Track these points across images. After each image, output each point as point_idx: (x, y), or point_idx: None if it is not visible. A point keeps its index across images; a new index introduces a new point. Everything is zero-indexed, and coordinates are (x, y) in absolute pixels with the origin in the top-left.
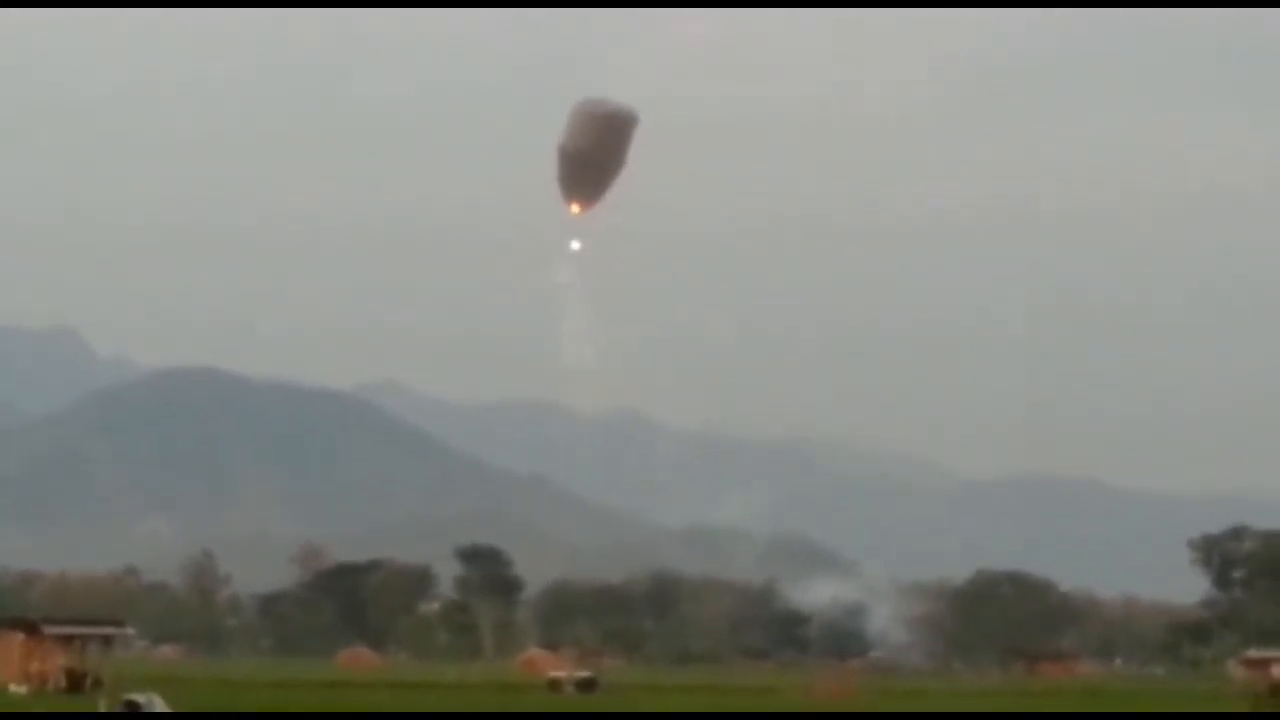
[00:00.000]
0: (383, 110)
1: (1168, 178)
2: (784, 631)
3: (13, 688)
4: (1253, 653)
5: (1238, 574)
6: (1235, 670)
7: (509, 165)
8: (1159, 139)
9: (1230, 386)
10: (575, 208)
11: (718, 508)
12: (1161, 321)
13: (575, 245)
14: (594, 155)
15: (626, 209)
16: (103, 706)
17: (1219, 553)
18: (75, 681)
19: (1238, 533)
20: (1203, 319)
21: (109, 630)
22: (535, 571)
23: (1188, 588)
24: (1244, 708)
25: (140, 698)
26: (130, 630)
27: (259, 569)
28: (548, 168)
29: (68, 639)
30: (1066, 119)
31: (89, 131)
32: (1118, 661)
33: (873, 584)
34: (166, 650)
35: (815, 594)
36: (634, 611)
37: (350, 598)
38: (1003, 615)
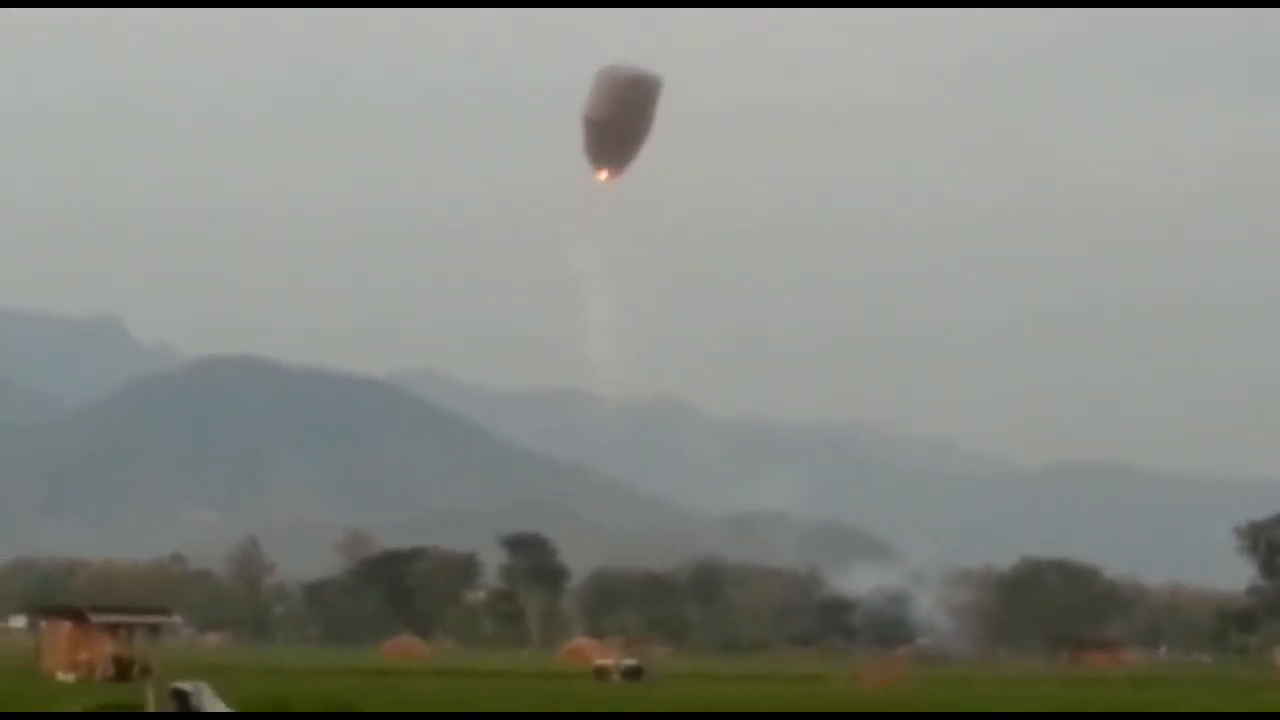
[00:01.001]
0: (421, 102)
1: (1200, 170)
2: (829, 619)
3: (60, 675)
4: None
5: None
6: None
7: (543, 155)
8: (1163, 142)
9: (1273, 370)
10: (604, 175)
11: (759, 494)
12: (1206, 306)
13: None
14: (619, 122)
15: (659, 198)
16: (150, 695)
17: (1266, 540)
18: (123, 669)
19: None
20: (1248, 303)
21: (156, 618)
22: (579, 559)
23: (1235, 575)
24: None
25: (188, 686)
26: (177, 618)
27: (304, 557)
28: (576, 147)
29: (115, 627)
30: (1069, 123)
31: (130, 125)
32: (1163, 649)
33: (917, 571)
34: (213, 638)
35: (859, 581)
36: (679, 599)
37: (396, 586)
38: (1048, 603)
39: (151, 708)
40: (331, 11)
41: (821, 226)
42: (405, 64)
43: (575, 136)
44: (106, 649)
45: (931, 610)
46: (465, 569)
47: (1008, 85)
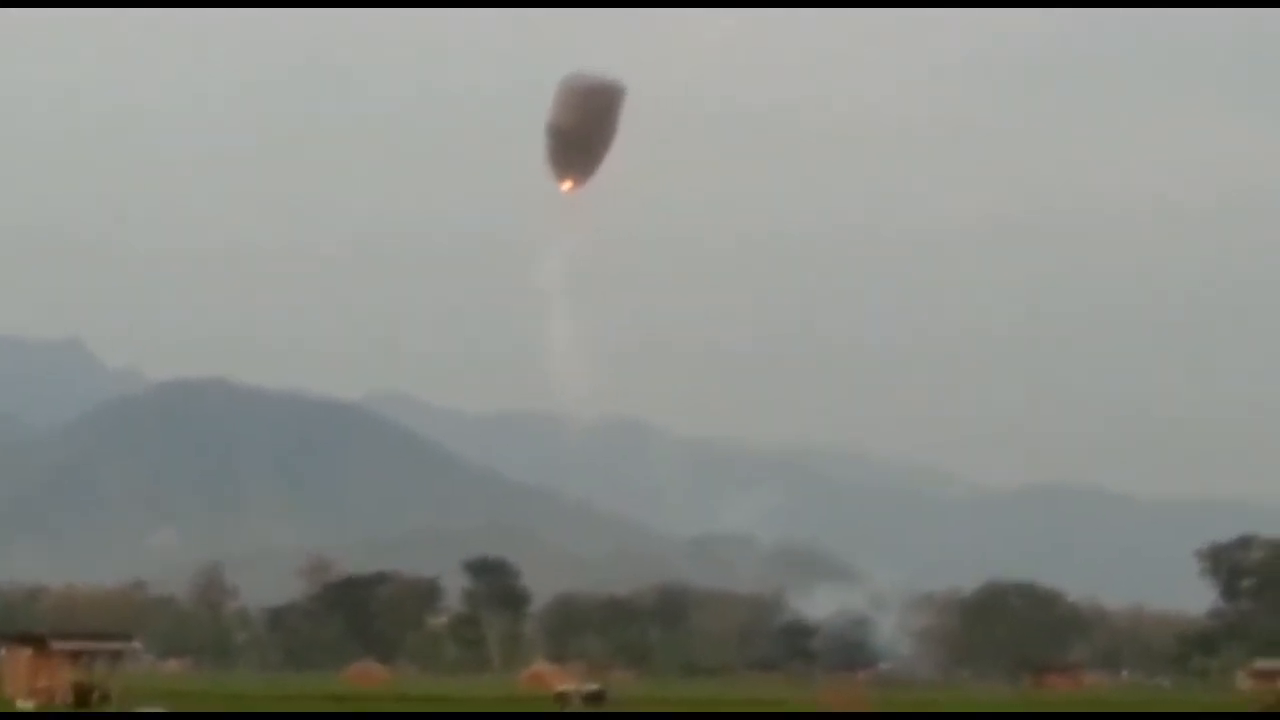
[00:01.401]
0: (386, 120)
1: (1168, 182)
2: (791, 643)
3: (20, 703)
4: (1261, 663)
5: (1246, 584)
6: (1243, 681)
7: (515, 172)
8: (1163, 143)
9: (1237, 393)
10: (567, 185)
11: (723, 517)
12: (1168, 326)
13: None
14: (582, 130)
15: (626, 213)
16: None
17: (1227, 562)
18: (83, 696)
19: (1245, 542)
20: (1208, 324)
21: (117, 645)
22: (542, 583)
23: (1196, 597)
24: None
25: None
26: (138, 644)
27: (267, 582)
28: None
29: (75, 654)
30: (1069, 123)
31: (94, 143)
32: (1125, 673)
33: (880, 594)
34: (174, 664)
35: (821, 604)
36: (642, 624)
37: (358, 611)
38: (1011, 626)
39: None
40: (290, 32)
41: (784, 245)
42: (361, 82)
43: (540, 147)
44: (67, 676)
45: (894, 634)
46: (427, 593)
47: (1012, 90)
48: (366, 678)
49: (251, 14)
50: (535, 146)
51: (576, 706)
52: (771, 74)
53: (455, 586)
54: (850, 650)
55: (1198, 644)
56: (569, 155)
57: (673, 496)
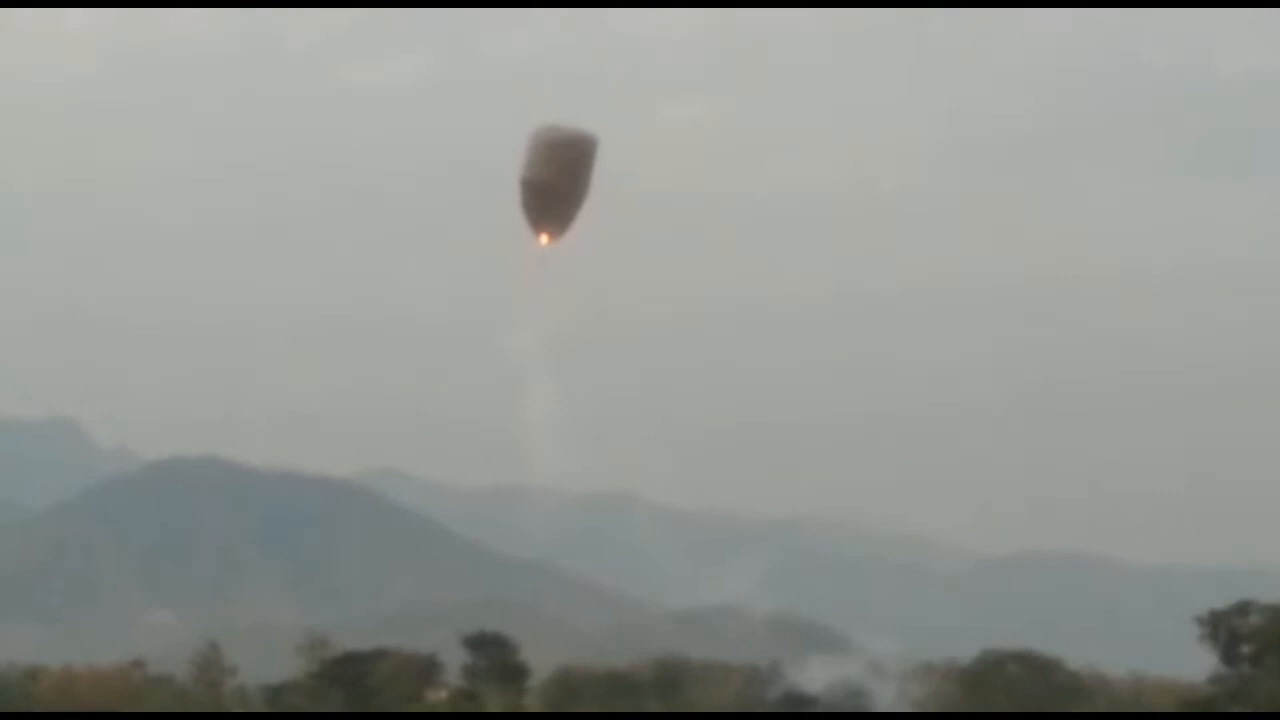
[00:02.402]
0: (370, 197)
1: (1161, 252)
2: (789, 714)
3: None
4: None
5: (1245, 649)
6: None
7: (497, 244)
8: (1152, 213)
9: (1232, 460)
10: (544, 239)
11: (716, 587)
12: (1165, 394)
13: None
14: (556, 183)
15: (612, 290)
16: None
17: (1226, 628)
18: None
19: (1244, 608)
20: (1205, 392)
21: None
22: (539, 657)
23: (1196, 663)
24: None
25: None
26: None
27: (265, 659)
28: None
29: None
30: (1061, 193)
31: (84, 221)
32: None
33: (877, 663)
34: None
35: (818, 675)
36: (640, 696)
37: (357, 687)
38: (1010, 695)
39: None
40: (281, 117)
41: (775, 315)
42: (344, 164)
43: (516, 218)
44: None
45: (893, 704)
46: (426, 669)
47: (1000, 159)
48: None
49: (244, 97)
50: (507, 210)
51: None
52: (749, 156)
53: (453, 661)
54: None
55: (1201, 710)
56: (544, 208)
57: (665, 568)
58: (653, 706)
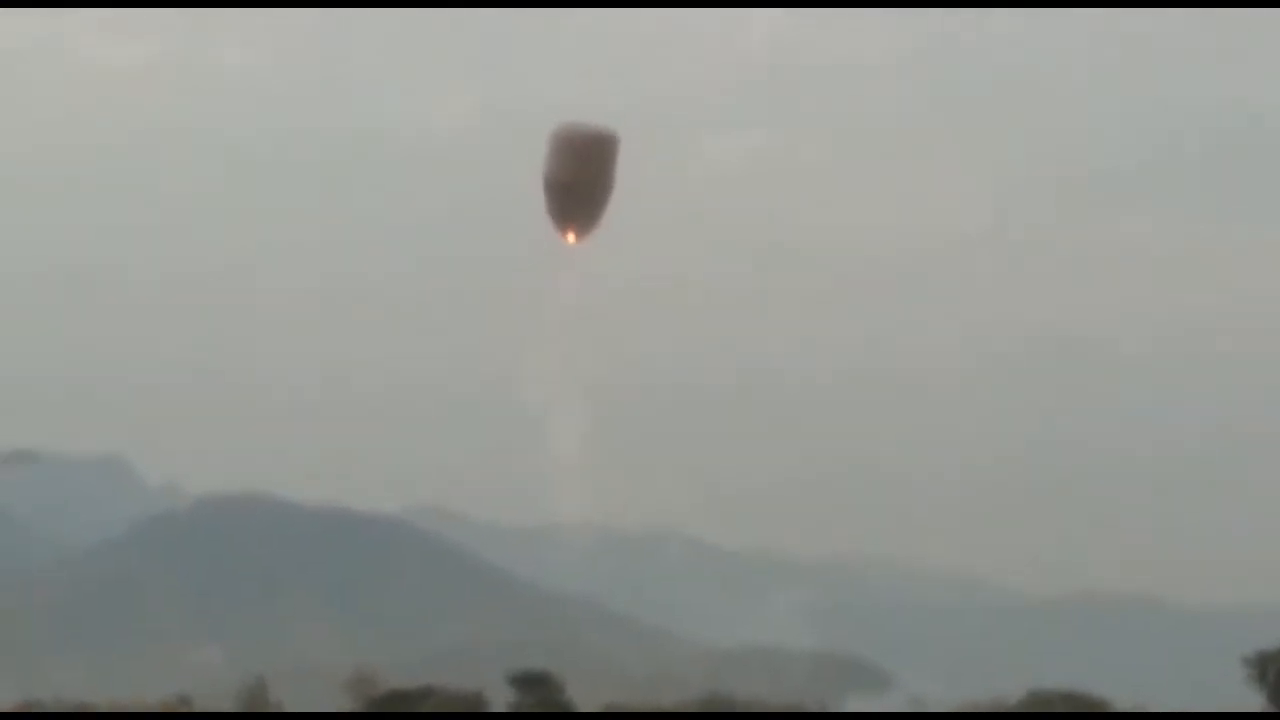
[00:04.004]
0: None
1: (1205, 293)
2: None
3: None
4: None
5: None
6: None
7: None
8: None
9: (1268, 500)
10: (571, 237)
11: (761, 625)
12: (1214, 436)
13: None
14: (580, 181)
15: (653, 326)
16: None
17: (1274, 669)
18: None
19: None
20: (1239, 431)
21: None
22: (586, 695)
23: (1243, 705)
24: None
25: None
26: None
27: (312, 697)
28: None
29: None
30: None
31: (127, 268)
32: None
33: (924, 703)
34: None
35: (861, 710)
36: None
37: None
38: None
39: None
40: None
41: (824, 371)
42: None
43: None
44: None
45: None
46: (473, 707)
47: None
48: None
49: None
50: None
51: None
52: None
53: (499, 699)
54: None
55: None
56: (568, 207)
57: (711, 606)
58: None
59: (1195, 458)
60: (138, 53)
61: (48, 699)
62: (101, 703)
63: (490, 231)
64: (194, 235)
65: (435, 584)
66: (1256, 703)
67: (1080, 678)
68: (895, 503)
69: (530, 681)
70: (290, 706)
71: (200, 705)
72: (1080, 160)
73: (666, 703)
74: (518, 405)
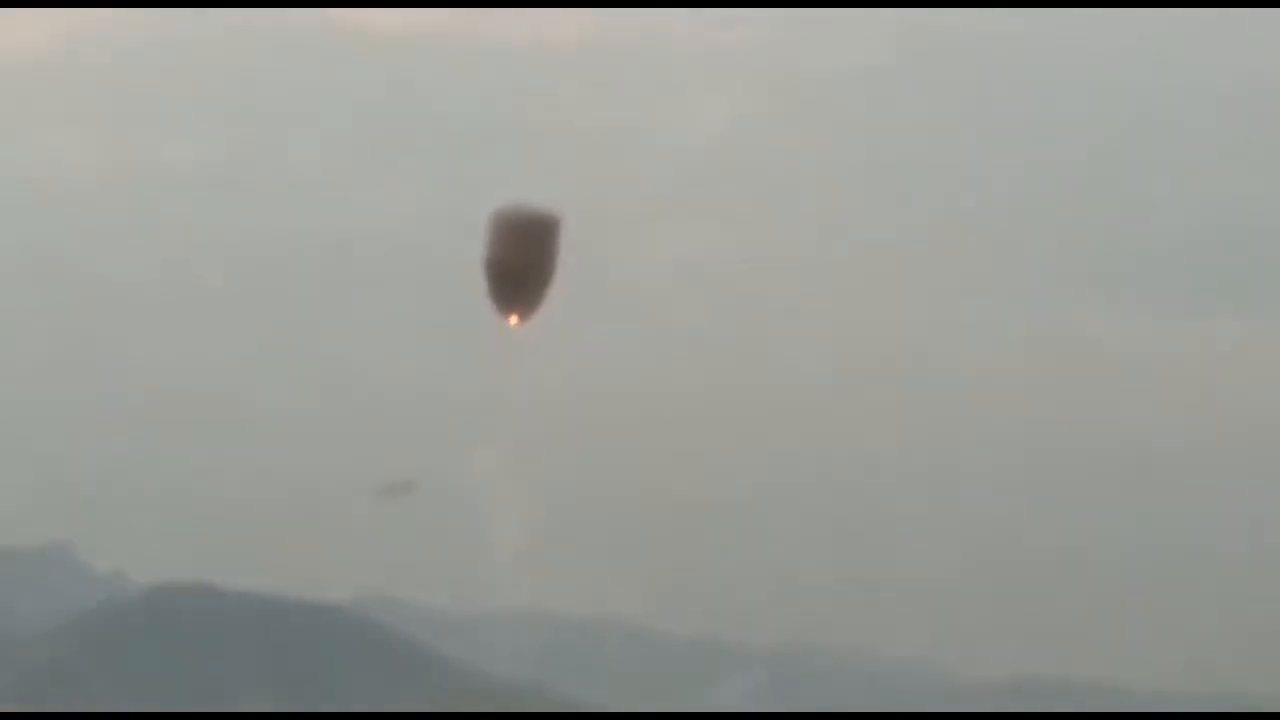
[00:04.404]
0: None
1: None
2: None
3: None
4: None
5: None
6: None
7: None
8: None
9: (1234, 583)
10: (514, 319)
11: (716, 709)
12: (1165, 495)
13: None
14: (519, 264)
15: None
16: None
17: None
18: None
19: None
20: (1216, 509)
21: None
22: None
23: None
24: None
25: None
26: None
27: None
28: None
29: None
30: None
31: (82, 328)
32: None
33: None
34: None
35: None
36: None
37: None
38: None
39: None
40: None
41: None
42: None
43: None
44: None
45: None
46: None
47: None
48: None
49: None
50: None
51: None
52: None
53: None
54: None
55: None
56: (509, 290)
57: (666, 692)
58: None
59: (1155, 528)
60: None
61: None
62: None
63: (434, 320)
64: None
65: (385, 673)
66: None
67: None
68: (838, 583)
69: None
70: None
71: None
72: None
73: None
74: (460, 493)
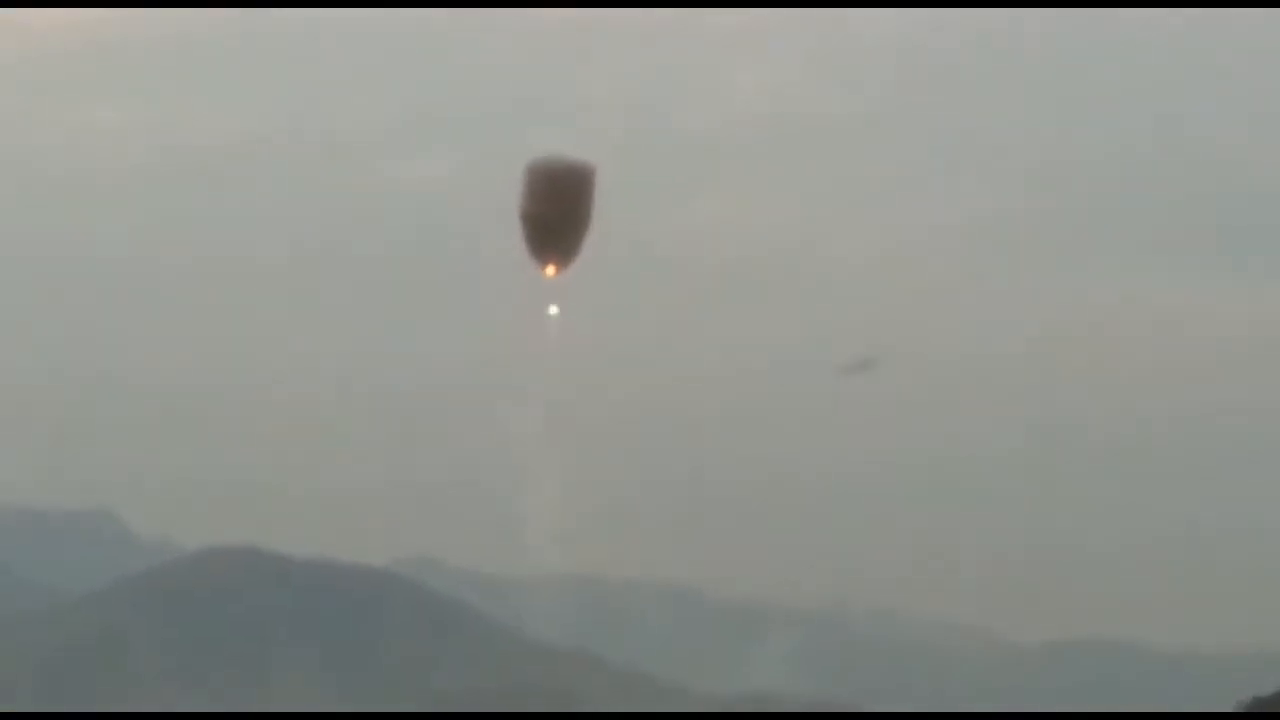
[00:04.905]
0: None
1: (1194, 337)
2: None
3: None
4: None
5: None
6: None
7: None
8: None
9: (1266, 541)
10: (550, 270)
11: (759, 675)
12: (1204, 475)
13: (553, 310)
14: (555, 215)
15: (622, 355)
16: None
17: (1270, 714)
18: None
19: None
20: (1244, 467)
21: None
22: None
23: None
24: None
25: None
26: None
27: None
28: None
29: None
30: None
31: (122, 308)
32: None
33: None
34: None
35: None
36: None
37: None
38: None
39: None
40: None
41: (804, 398)
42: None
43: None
44: None
45: None
46: None
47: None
48: None
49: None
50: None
51: None
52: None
53: None
54: None
55: None
56: (546, 241)
57: (709, 656)
58: None
59: (1188, 493)
60: None
61: None
62: None
63: (476, 270)
64: None
65: (427, 635)
66: None
67: None
68: (880, 547)
69: None
70: None
71: None
72: None
73: None
74: (505, 451)
